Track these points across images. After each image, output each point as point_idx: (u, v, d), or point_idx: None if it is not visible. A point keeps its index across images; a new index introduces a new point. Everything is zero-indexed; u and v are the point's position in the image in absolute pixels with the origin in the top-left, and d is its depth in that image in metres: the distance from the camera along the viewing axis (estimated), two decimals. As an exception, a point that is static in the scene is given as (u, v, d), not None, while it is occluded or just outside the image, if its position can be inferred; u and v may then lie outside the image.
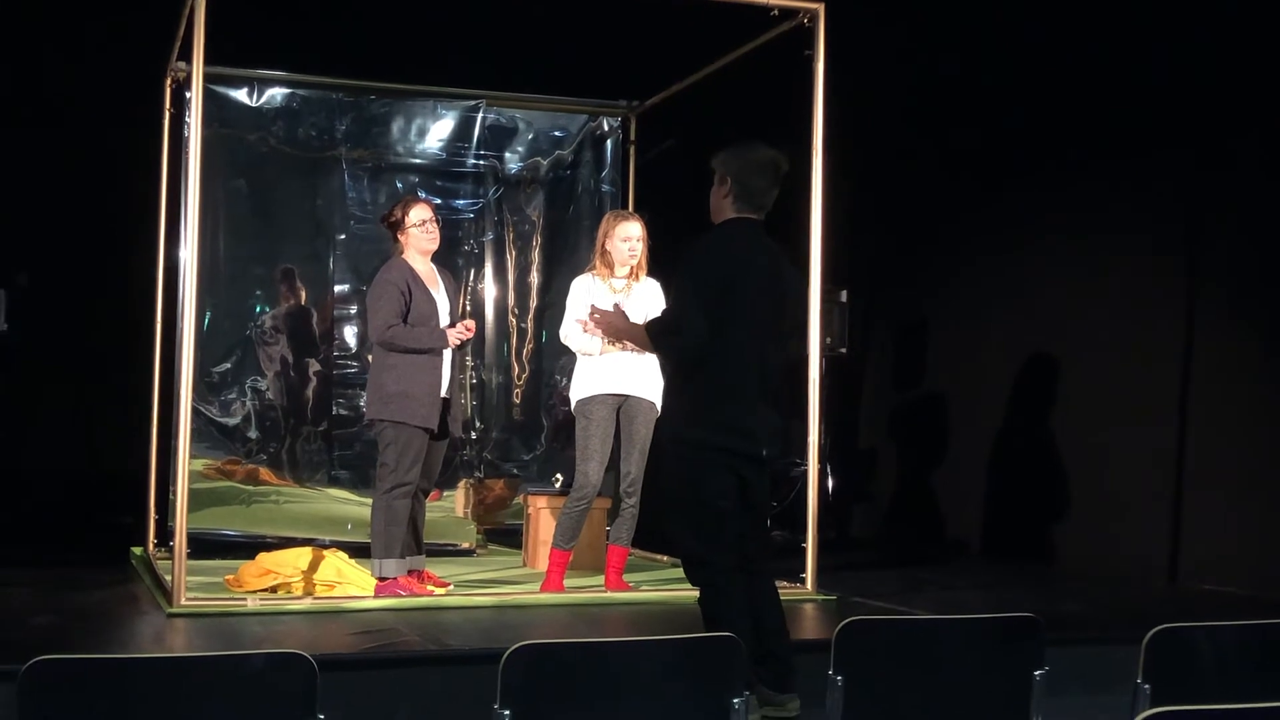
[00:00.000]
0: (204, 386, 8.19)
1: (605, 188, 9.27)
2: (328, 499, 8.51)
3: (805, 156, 6.62)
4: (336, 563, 6.68)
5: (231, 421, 8.42)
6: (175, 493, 6.28)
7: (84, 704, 2.89)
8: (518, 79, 8.99)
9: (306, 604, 6.20)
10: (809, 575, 6.65)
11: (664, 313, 4.99)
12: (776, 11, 6.78)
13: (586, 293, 6.79)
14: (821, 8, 6.72)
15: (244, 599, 6.19)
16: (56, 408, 9.15)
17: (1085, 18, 8.13)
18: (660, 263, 6.91)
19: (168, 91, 7.97)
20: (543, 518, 7.85)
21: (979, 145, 9.00)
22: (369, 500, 6.67)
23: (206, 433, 8.25)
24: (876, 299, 10.00)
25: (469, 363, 8.60)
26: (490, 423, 9.04)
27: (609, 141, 9.31)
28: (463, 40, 8.79)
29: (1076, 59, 8.28)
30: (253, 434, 8.45)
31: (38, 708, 2.82)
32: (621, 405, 6.74)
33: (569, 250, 9.08)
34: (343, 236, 8.65)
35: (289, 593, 6.46)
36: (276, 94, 8.58)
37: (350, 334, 8.61)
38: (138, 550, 7.85)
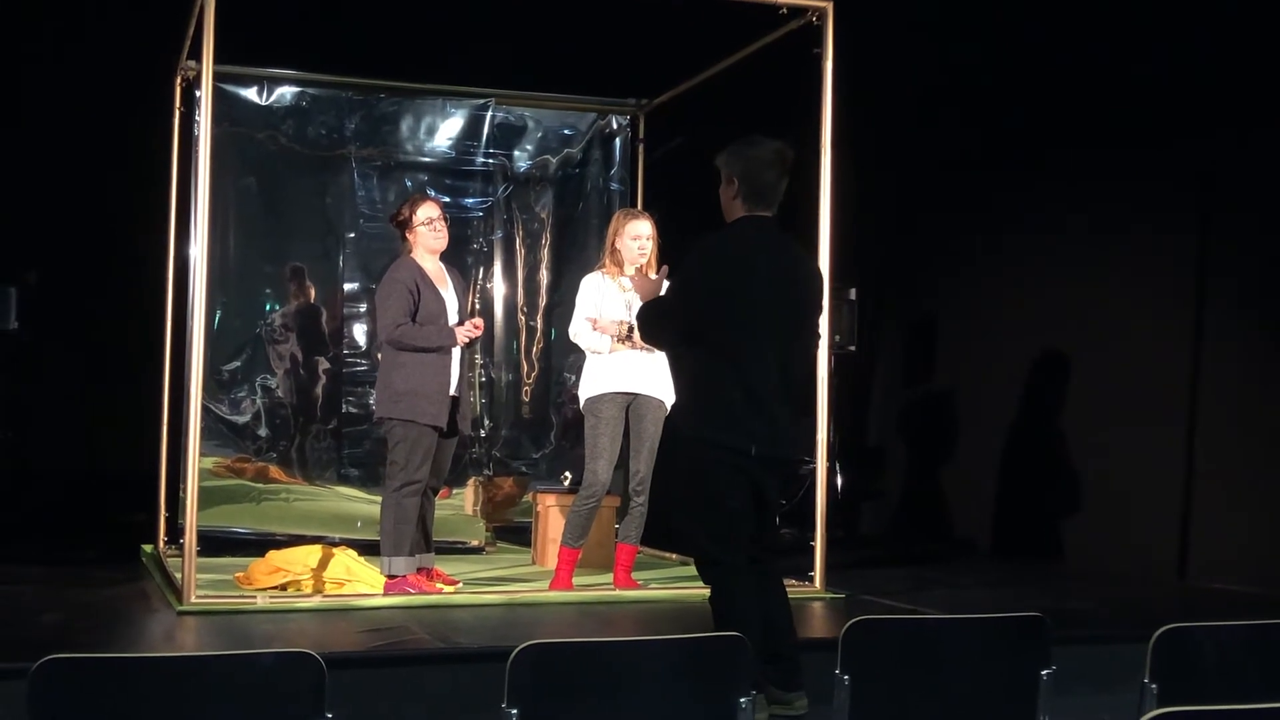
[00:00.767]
0: (214, 384, 8.20)
1: (614, 186, 9.27)
2: (337, 497, 8.52)
3: (814, 154, 6.61)
4: (346, 560, 6.69)
5: (241, 419, 8.44)
6: (185, 490, 6.28)
7: (94, 702, 2.90)
8: (527, 77, 9.00)
9: (316, 602, 6.22)
10: (817, 573, 6.66)
11: (660, 300, 5.01)
12: (785, 10, 6.78)
13: (596, 291, 6.80)
14: (830, 6, 6.71)
15: (254, 597, 6.20)
16: (67, 405, 9.16)
17: (1093, 13, 8.12)
18: (670, 261, 6.92)
19: (177, 90, 7.98)
20: (552, 516, 7.85)
21: (988, 143, 8.99)
22: (378, 498, 6.69)
23: (216, 430, 8.27)
24: (886, 297, 10.00)
25: (478, 361, 8.60)
26: (499, 421, 9.04)
27: (618, 139, 9.32)
28: (472, 39, 8.79)
29: (1084, 55, 8.27)
30: (262, 432, 8.46)
31: (48, 706, 2.83)
32: (631, 404, 6.75)
33: (578, 248, 9.08)
34: (352, 235, 8.66)
35: (299, 590, 6.47)
36: (286, 93, 8.59)
37: (360, 332, 8.62)
38: (148, 548, 7.87)
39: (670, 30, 7.87)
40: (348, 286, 8.66)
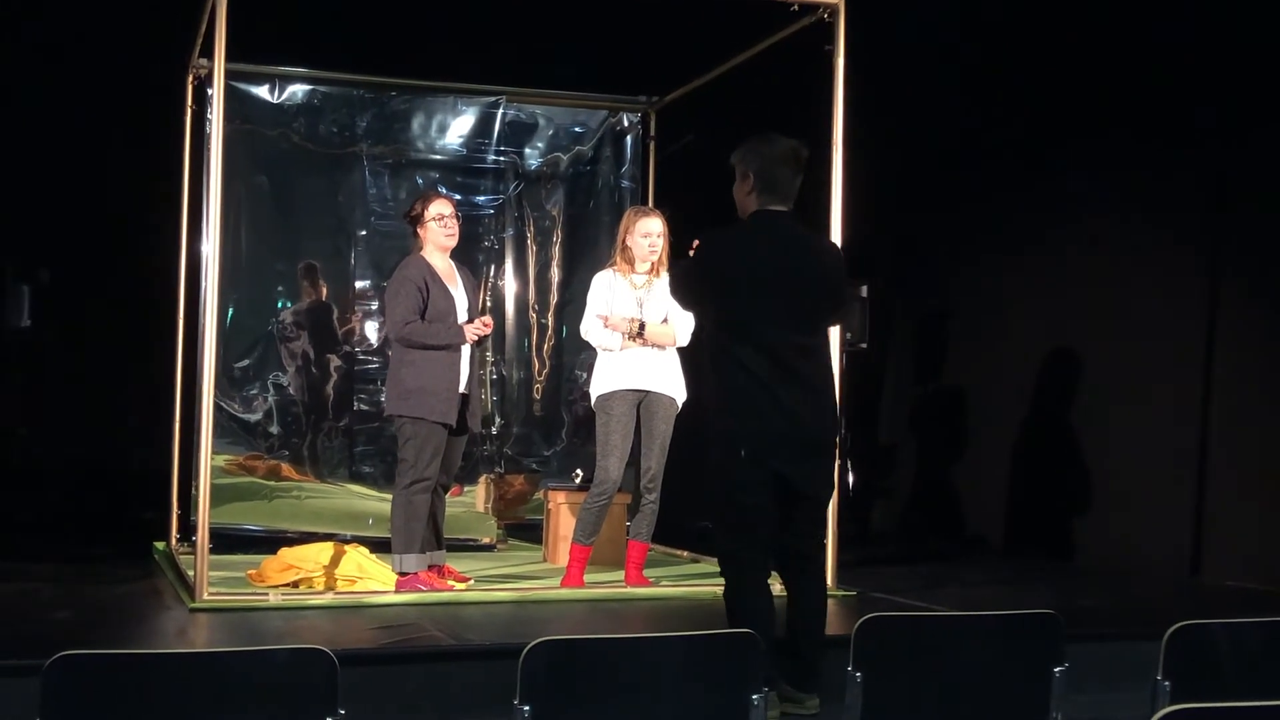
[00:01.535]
0: (226, 382, 8.22)
1: (625, 183, 9.27)
2: (349, 494, 8.54)
3: (825, 151, 6.60)
4: (357, 558, 6.71)
5: (253, 417, 8.45)
6: (197, 488, 6.30)
7: (106, 699, 2.91)
8: (538, 75, 9.00)
9: (328, 599, 6.22)
10: (829, 571, 6.63)
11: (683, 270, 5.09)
12: (797, 6, 6.77)
13: (607, 288, 6.80)
14: (841, 2, 6.70)
15: (266, 594, 6.21)
16: (79, 403, 9.17)
17: (1107, 7, 8.10)
18: (673, 255, 6.91)
19: (189, 88, 8.00)
20: (563, 513, 7.86)
21: (1000, 139, 8.97)
22: (389, 496, 6.70)
23: (228, 428, 8.28)
24: (897, 294, 9.98)
25: (489, 358, 8.61)
26: (511, 418, 9.05)
27: (629, 137, 9.31)
28: (483, 36, 8.79)
29: (1096, 50, 8.25)
30: (274, 429, 8.47)
31: (61, 702, 2.84)
32: (642, 401, 6.75)
33: (589, 246, 9.08)
34: (363, 232, 8.67)
35: (310, 588, 6.48)
36: (298, 90, 8.60)
37: (371, 329, 8.63)
38: (160, 545, 7.89)
39: (682, 27, 7.87)
40: (359, 284, 8.67)
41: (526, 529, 8.74)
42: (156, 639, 5.49)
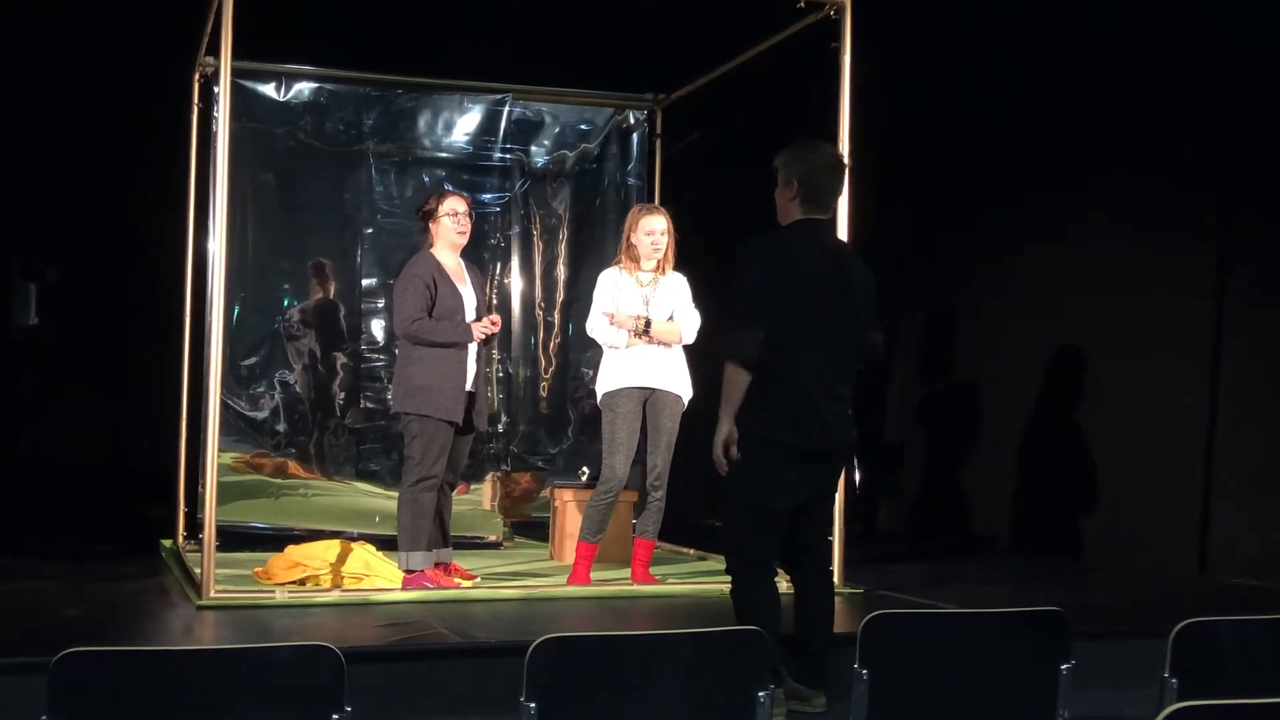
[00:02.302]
0: (232, 380, 8.23)
1: (631, 181, 9.26)
2: (355, 492, 8.54)
3: (838, 150, 6.60)
4: (364, 555, 6.71)
5: (260, 415, 8.45)
6: (204, 485, 6.31)
7: (113, 696, 2.92)
8: (544, 72, 8.99)
9: (334, 596, 6.23)
10: (836, 568, 6.63)
11: (723, 312, 4.94)
12: (803, 3, 6.76)
13: (614, 286, 6.81)
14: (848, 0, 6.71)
15: (272, 591, 6.22)
16: (86, 401, 9.19)
17: (1115, 8, 8.09)
18: (686, 257, 6.91)
19: (196, 86, 8.00)
20: (569, 511, 7.87)
21: (1007, 137, 8.96)
22: (396, 493, 6.70)
23: (235, 426, 8.29)
24: (903, 292, 9.97)
25: (495, 356, 8.61)
26: (517, 416, 9.05)
27: (635, 134, 9.31)
28: (488, 34, 8.79)
29: (1106, 50, 8.24)
30: (281, 427, 8.48)
31: (67, 699, 2.84)
32: (648, 399, 6.75)
33: (595, 243, 9.08)
34: (370, 230, 8.68)
35: (317, 585, 6.49)
36: (304, 88, 8.61)
37: (378, 327, 8.64)
38: (167, 543, 7.89)
39: (688, 24, 7.86)
40: (365, 282, 8.68)
41: (533, 527, 8.74)
42: (163, 636, 5.49)
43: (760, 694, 3.29)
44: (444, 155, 8.96)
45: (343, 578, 6.55)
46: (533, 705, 3.07)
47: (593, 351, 8.09)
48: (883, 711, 3.47)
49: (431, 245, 6.61)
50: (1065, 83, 8.50)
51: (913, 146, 9.42)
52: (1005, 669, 3.71)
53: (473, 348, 6.51)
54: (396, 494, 6.65)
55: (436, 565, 6.49)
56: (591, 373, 8.15)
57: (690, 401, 6.81)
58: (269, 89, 8.51)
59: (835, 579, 6.58)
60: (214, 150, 6.41)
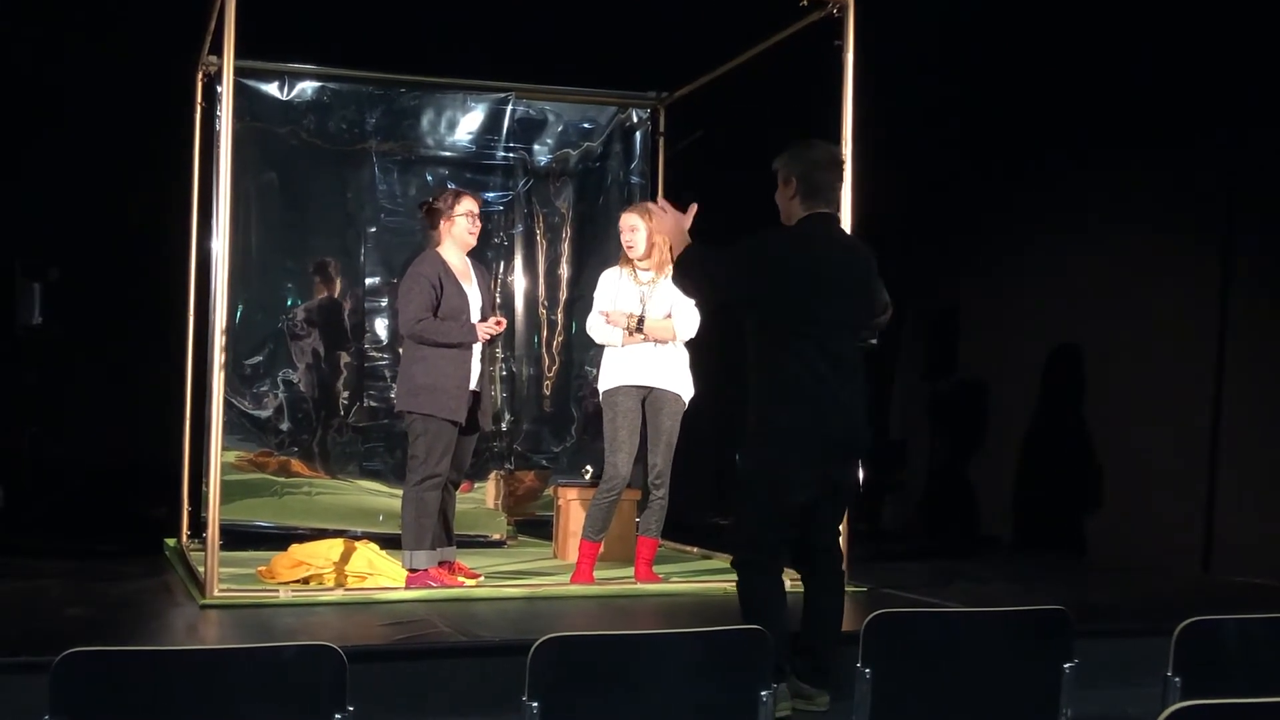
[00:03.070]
0: (236, 379, 8.24)
1: (634, 179, 9.26)
2: (359, 491, 8.54)
3: (834, 147, 6.59)
4: (368, 554, 6.71)
5: (263, 414, 8.46)
6: (208, 484, 6.31)
7: (116, 695, 2.91)
8: (547, 71, 8.99)
9: (338, 595, 6.23)
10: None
11: (707, 256, 4.90)
12: (806, 2, 6.76)
13: (612, 285, 6.82)
14: (851, -2, 6.70)
15: (276, 590, 6.22)
16: (90, 400, 9.19)
17: (1116, 7, 8.08)
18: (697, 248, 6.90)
19: (199, 85, 8.00)
20: (573, 509, 7.86)
21: (1010, 134, 8.95)
22: (400, 492, 6.70)
23: (239, 425, 8.29)
24: (907, 291, 9.95)
25: (499, 355, 8.61)
26: (521, 415, 9.05)
27: (638, 133, 9.31)
28: (491, 33, 8.79)
29: (1110, 46, 8.23)
30: (284, 426, 8.48)
31: (70, 699, 2.84)
32: (647, 397, 6.75)
33: (598, 242, 9.07)
34: (373, 229, 8.68)
35: (321, 584, 6.49)
36: (307, 87, 8.61)
37: (381, 326, 8.64)
38: (171, 542, 7.90)
39: (691, 23, 7.86)
40: (369, 281, 8.68)
41: (536, 525, 8.74)
42: (167, 635, 5.50)
43: (763, 693, 3.29)
44: (447, 154, 8.96)
45: (346, 577, 6.55)
46: (535, 704, 3.07)
47: (596, 350, 8.06)
48: (885, 710, 3.47)
49: (438, 244, 6.59)
50: (1068, 82, 8.49)
51: (916, 145, 9.41)
52: (1008, 668, 3.71)
53: (477, 347, 6.51)
54: (400, 492, 6.65)
55: (440, 564, 6.49)
56: (595, 371, 8.13)
57: (691, 401, 6.81)
58: (272, 88, 8.51)
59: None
60: (217, 149, 6.41)
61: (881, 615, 3.56)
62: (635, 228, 6.78)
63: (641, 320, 6.70)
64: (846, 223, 6.62)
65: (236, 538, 7.34)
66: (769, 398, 4.77)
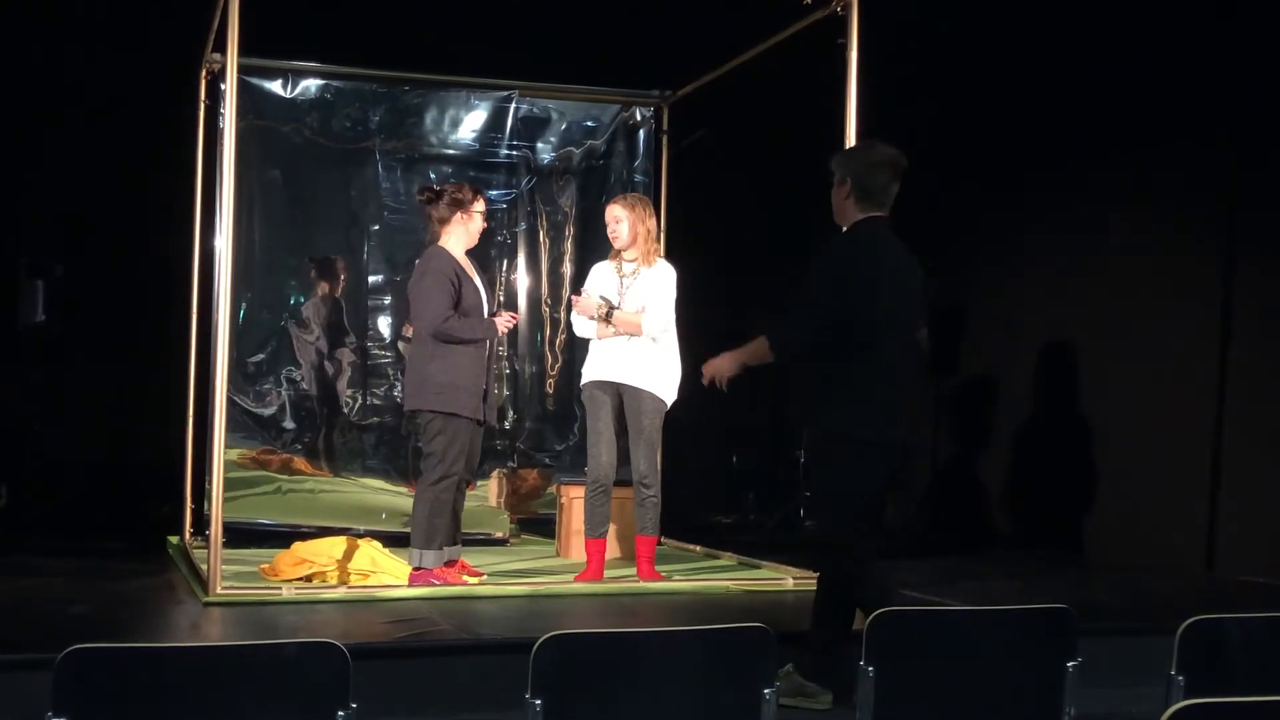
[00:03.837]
0: (239, 377, 8.24)
1: (638, 178, 9.25)
2: (362, 488, 8.54)
3: (838, 146, 6.59)
4: (371, 552, 6.71)
5: (267, 411, 8.46)
6: (211, 482, 6.31)
7: (119, 692, 2.91)
8: (550, 69, 8.98)
9: (341, 593, 6.23)
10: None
11: (788, 304, 4.95)
12: (810, 0, 6.76)
13: (597, 277, 6.89)
14: (854, -4, 6.70)
15: (279, 588, 6.22)
16: (93, 398, 9.20)
17: (1118, 7, 8.07)
18: (693, 250, 6.91)
19: (203, 83, 8.01)
20: (575, 508, 7.85)
21: (1014, 134, 8.94)
22: (403, 489, 6.70)
23: (242, 423, 8.29)
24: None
25: (501, 352, 8.61)
26: (524, 413, 9.05)
27: (641, 131, 9.29)
28: (495, 31, 8.79)
29: (1110, 46, 8.22)
30: (288, 424, 8.49)
31: (73, 696, 2.84)
32: (624, 395, 6.76)
33: (601, 240, 8.99)
34: (376, 227, 8.68)
35: (324, 582, 6.49)
36: (311, 85, 8.60)
37: (384, 324, 8.64)
38: (174, 539, 7.90)
39: (695, 21, 7.85)
40: (372, 279, 8.68)
41: (539, 524, 8.74)
42: (169, 633, 5.50)
43: (766, 691, 3.29)
44: (451, 152, 8.95)
45: (349, 574, 6.55)
46: (538, 702, 3.07)
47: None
48: (888, 709, 3.46)
49: (440, 237, 6.55)
50: (1071, 81, 8.48)
51: (919, 143, 9.37)
52: (1011, 666, 3.70)
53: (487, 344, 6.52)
54: (403, 490, 6.64)
55: (446, 563, 6.48)
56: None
57: (691, 401, 6.80)
58: (276, 86, 8.51)
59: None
60: (220, 147, 6.42)
61: (884, 614, 3.56)
62: (619, 219, 6.80)
63: (612, 308, 6.71)
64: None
65: (239, 535, 7.35)
66: (846, 402, 4.78)
